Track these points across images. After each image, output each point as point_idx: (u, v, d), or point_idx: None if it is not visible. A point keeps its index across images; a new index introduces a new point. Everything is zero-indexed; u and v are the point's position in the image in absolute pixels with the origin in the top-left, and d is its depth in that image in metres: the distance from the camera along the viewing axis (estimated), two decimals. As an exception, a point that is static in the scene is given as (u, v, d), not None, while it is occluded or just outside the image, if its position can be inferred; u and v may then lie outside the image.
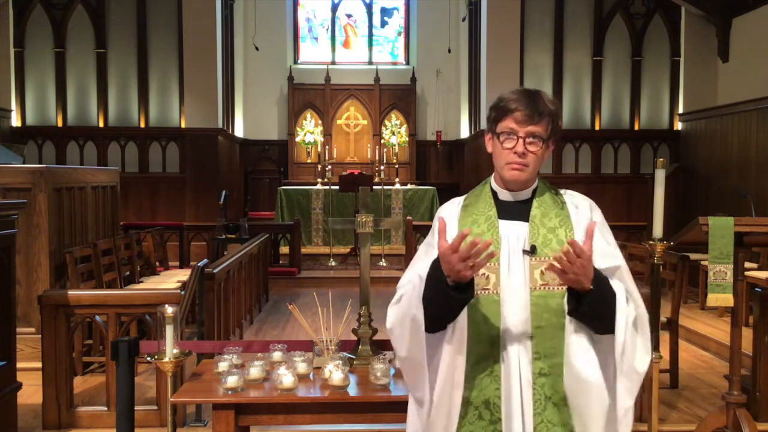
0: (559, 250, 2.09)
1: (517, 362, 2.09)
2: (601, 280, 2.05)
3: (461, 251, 1.94)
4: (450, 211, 2.29)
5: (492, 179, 2.28)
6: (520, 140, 2.12)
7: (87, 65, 11.70)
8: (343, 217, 10.15)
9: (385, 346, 3.45)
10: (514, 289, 2.12)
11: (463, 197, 2.32)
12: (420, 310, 2.09)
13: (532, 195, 2.22)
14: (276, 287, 9.81)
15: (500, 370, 2.09)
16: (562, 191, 2.27)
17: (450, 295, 2.03)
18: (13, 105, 11.48)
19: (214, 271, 5.60)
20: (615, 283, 2.10)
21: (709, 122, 10.52)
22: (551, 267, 2.00)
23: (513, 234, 2.17)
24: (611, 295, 2.06)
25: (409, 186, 12.87)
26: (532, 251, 2.12)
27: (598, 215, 2.23)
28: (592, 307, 2.04)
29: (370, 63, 15.19)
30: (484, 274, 2.12)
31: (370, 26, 15.41)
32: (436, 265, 2.05)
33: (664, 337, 5.35)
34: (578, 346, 2.09)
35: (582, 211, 2.21)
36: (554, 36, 11.93)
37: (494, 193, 2.25)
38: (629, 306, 2.08)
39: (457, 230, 2.20)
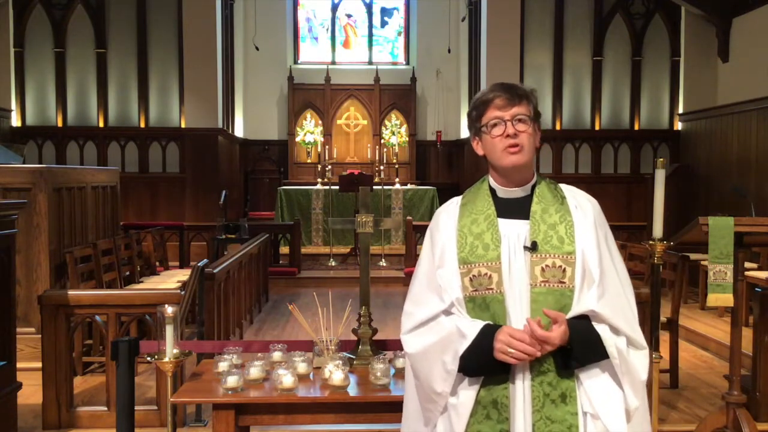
0: (559, 247, 2.12)
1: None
2: (578, 332, 2.07)
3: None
4: (448, 212, 2.29)
5: (489, 177, 2.28)
6: (508, 123, 2.14)
7: (87, 65, 11.70)
8: (343, 217, 10.17)
9: (385, 346, 3.45)
10: (516, 287, 2.12)
11: (461, 196, 2.32)
12: (455, 364, 2.11)
13: (532, 191, 2.22)
14: (276, 287, 9.80)
15: (508, 369, 2.09)
16: (562, 186, 2.27)
17: (494, 368, 2.08)
18: (13, 105, 11.48)
19: (214, 271, 5.60)
20: (597, 325, 2.10)
21: (709, 122, 10.52)
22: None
23: (513, 232, 2.17)
24: (595, 338, 2.09)
25: (409, 186, 12.87)
26: (532, 248, 2.13)
27: (601, 221, 2.22)
28: (579, 359, 2.08)
29: (370, 63, 15.19)
30: (486, 273, 2.13)
31: (370, 26, 15.41)
32: (486, 332, 2.07)
33: (664, 337, 5.35)
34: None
35: (583, 212, 2.20)
36: (554, 36, 11.93)
37: (493, 192, 2.25)
38: (618, 336, 2.11)
39: (456, 230, 2.21)
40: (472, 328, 2.10)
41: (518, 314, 2.11)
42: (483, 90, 2.23)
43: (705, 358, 6.49)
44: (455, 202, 2.31)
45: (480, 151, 2.24)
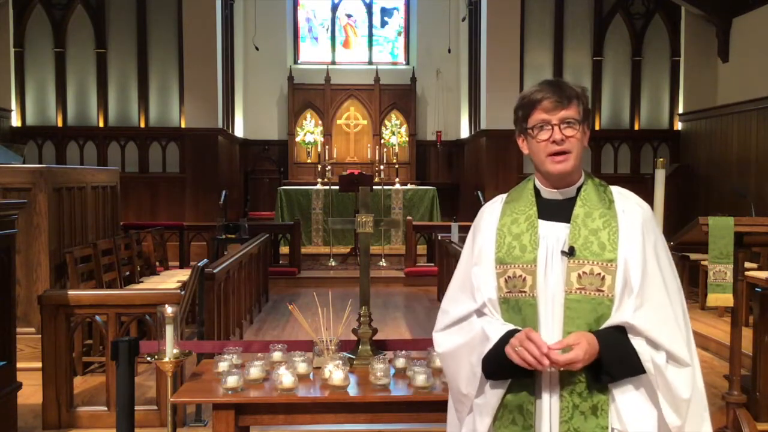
0: (600, 254, 2.03)
1: (549, 368, 2.02)
2: (611, 345, 1.98)
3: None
4: (492, 210, 2.22)
5: (535, 177, 2.20)
6: (555, 128, 2.05)
7: (87, 65, 11.70)
8: (343, 217, 10.16)
9: (385, 346, 3.46)
10: (551, 292, 2.04)
11: (506, 194, 2.25)
12: (480, 366, 2.07)
13: (577, 193, 2.12)
14: (276, 287, 9.81)
15: (534, 375, 2.03)
16: (613, 188, 2.16)
17: (513, 372, 2.03)
18: (13, 105, 11.48)
19: (214, 271, 5.60)
20: (633, 338, 2.00)
21: (709, 122, 10.52)
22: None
23: (553, 235, 2.08)
24: (629, 351, 1.99)
25: (409, 186, 12.87)
26: (570, 253, 2.04)
27: (651, 227, 2.10)
28: (611, 373, 1.99)
29: (370, 63, 15.19)
30: (521, 275, 2.06)
31: (370, 26, 15.41)
32: (509, 336, 2.02)
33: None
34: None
35: (630, 218, 2.09)
36: (554, 36, 11.93)
37: (537, 192, 2.16)
38: (657, 351, 2.00)
39: (496, 229, 2.15)
40: (497, 331, 2.05)
41: (549, 320, 2.03)
42: (531, 87, 2.10)
43: (705, 358, 6.49)
44: (500, 199, 2.24)
45: (525, 150, 2.15)
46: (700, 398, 2.08)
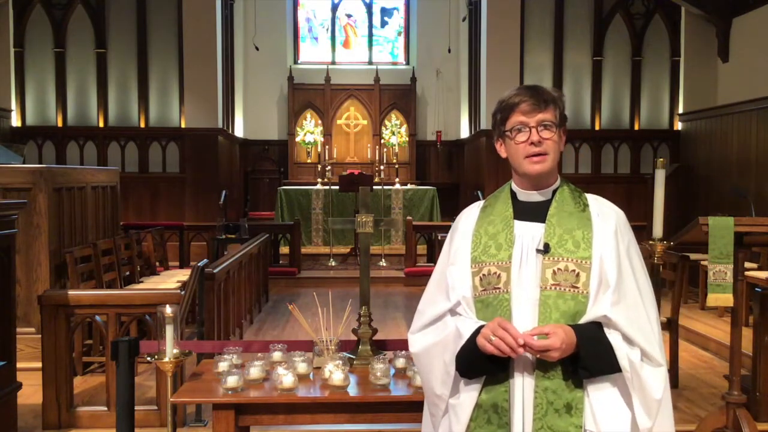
0: (574, 251, 2.07)
1: (522, 365, 2.03)
2: (588, 338, 2.00)
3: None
4: (468, 215, 2.26)
5: (512, 181, 2.24)
6: (533, 130, 2.10)
7: (87, 65, 11.70)
8: (343, 217, 10.17)
9: (385, 346, 3.45)
10: (525, 288, 2.07)
11: (485, 200, 2.29)
12: (453, 365, 2.09)
13: (553, 195, 2.17)
14: (276, 287, 9.81)
15: (509, 370, 2.04)
16: (588, 195, 2.21)
17: (486, 367, 2.04)
18: (13, 105, 11.48)
19: (214, 271, 5.60)
20: (609, 332, 2.03)
21: (709, 122, 10.52)
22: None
23: (528, 234, 2.12)
24: (606, 346, 2.01)
25: (409, 186, 12.87)
26: (545, 250, 2.08)
27: (625, 231, 2.15)
28: (588, 368, 2.00)
29: (370, 63, 15.19)
30: (496, 272, 2.09)
31: (370, 26, 15.41)
32: (477, 334, 2.03)
33: (664, 337, 5.34)
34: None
35: (605, 220, 2.14)
36: (554, 36, 11.93)
37: (514, 195, 2.22)
38: (632, 348, 2.02)
39: (472, 231, 2.19)
40: (470, 328, 2.07)
41: (523, 316, 2.05)
42: (509, 92, 2.16)
43: (705, 358, 6.49)
44: (478, 205, 2.29)
45: (503, 154, 2.20)
46: (667, 400, 2.11)
